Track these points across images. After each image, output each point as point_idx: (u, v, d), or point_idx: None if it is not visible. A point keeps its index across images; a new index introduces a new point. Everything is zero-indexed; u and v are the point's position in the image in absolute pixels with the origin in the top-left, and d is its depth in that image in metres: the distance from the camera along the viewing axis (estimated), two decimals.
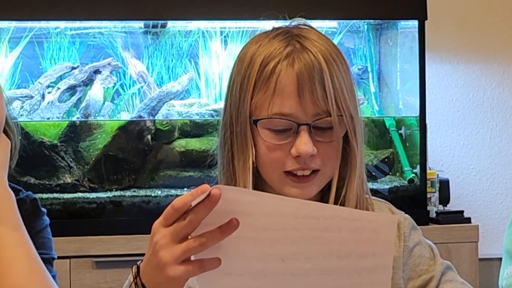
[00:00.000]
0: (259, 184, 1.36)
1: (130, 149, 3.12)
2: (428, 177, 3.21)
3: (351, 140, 1.33)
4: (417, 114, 3.21)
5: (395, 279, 1.41)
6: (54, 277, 1.42)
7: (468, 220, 3.22)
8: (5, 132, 1.33)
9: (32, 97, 3.16)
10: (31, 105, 3.14)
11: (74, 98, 3.21)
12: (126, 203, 3.05)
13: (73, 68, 3.22)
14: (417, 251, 1.44)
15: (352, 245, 1.11)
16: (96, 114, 3.19)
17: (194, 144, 3.15)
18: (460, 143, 3.65)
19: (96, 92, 3.20)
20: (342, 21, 3.34)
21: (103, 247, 2.91)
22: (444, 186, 3.30)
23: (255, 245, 1.08)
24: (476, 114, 3.65)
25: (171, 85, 3.25)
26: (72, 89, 3.22)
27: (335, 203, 1.34)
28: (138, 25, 3.28)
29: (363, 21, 3.37)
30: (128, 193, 3.08)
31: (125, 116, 3.24)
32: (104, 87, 3.23)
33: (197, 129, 3.18)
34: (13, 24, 3.15)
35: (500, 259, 1.86)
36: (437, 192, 3.26)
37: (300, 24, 1.38)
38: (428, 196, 3.22)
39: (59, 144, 3.07)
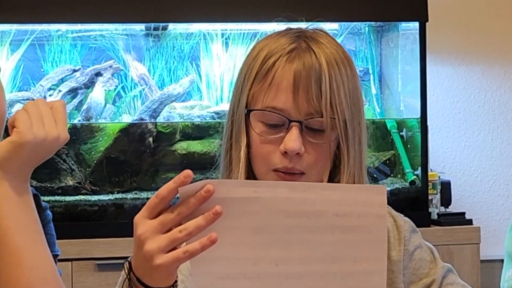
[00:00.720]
0: (251, 178, 1.36)
1: (132, 152, 3.12)
2: (429, 179, 3.21)
3: (341, 145, 1.33)
4: (418, 116, 3.21)
5: (396, 283, 1.41)
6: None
7: (469, 222, 3.22)
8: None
9: (33, 99, 3.16)
10: None
11: (75, 101, 3.21)
12: (128, 206, 3.05)
13: (75, 71, 3.23)
14: (418, 255, 1.43)
15: (345, 247, 1.11)
16: (98, 117, 3.19)
17: (195, 146, 3.15)
18: (462, 145, 3.65)
19: (97, 94, 3.20)
20: (343, 23, 3.34)
21: (105, 250, 2.91)
22: (445, 187, 3.30)
23: (248, 249, 1.08)
24: (477, 116, 3.65)
25: (172, 87, 3.26)
26: (73, 92, 3.22)
27: None
28: (139, 27, 3.28)
29: (364, 23, 3.37)
30: (129, 195, 3.09)
31: (127, 119, 3.24)
32: (105, 90, 3.23)
33: (198, 131, 3.19)
34: (14, 27, 3.16)
35: (502, 260, 1.86)
36: (439, 194, 3.26)
37: (316, 29, 1.39)
38: (430, 198, 3.22)
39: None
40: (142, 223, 1.07)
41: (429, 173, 3.22)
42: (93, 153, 3.11)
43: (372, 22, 3.38)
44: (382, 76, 3.48)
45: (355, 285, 1.13)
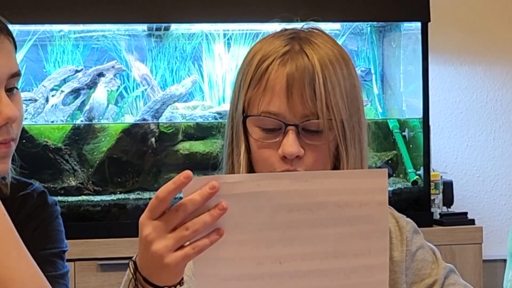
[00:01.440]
0: None
1: (134, 152, 3.12)
2: (431, 178, 3.21)
3: (339, 146, 1.32)
4: (421, 116, 3.21)
5: (398, 283, 1.41)
6: (66, 273, 1.42)
7: (472, 222, 3.22)
8: None
9: (36, 100, 3.17)
10: (35, 108, 3.15)
11: (78, 101, 3.22)
12: (130, 206, 3.06)
13: (77, 71, 3.23)
14: (420, 255, 1.44)
15: (348, 240, 1.11)
16: (100, 117, 3.20)
17: (198, 146, 3.15)
18: (464, 145, 3.65)
19: (100, 95, 3.21)
20: (345, 23, 3.34)
21: (108, 250, 2.92)
22: (447, 187, 3.30)
23: (252, 247, 1.08)
24: (479, 116, 3.65)
25: (174, 87, 3.26)
26: (76, 92, 3.22)
27: None
28: (141, 28, 3.28)
29: (366, 23, 3.37)
30: (132, 195, 3.09)
31: (129, 119, 3.24)
32: (108, 90, 3.23)
33: (201, 131, 3.19)
34: (16, 27, 3.16)
35: (504, 260, 1.87)
36: (441, 194, 3.26)
37: (312, 28, 1.38)
38: (432, 198, 3.22)
39: (63, 147, 3.08)
40: (147, 224, 1.07)
41: (431, 173, 3.23)
42: (95, 153, 3.11)
43: (374, 22, 3.39)
44: (384, 76, 3.48)
45: (358, 281, 1.13)
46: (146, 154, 3.13)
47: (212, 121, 3.23)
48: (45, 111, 3.17)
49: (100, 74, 3.23)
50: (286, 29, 1.38)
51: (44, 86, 3.20)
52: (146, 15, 3.10)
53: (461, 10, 3.63)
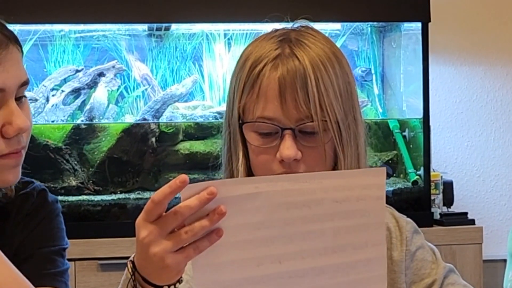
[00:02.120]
0: None
1: (135, 152, 3.12)
2: (432, 179, 3.21)
3: (336, 146, 1.32)
4: (421, 116, 3.22)
5: (398, 283, 1.41)
6: (66, 270, 1.42)
7: (472, 222, 3.22)
8: None
9: (36, 100, 3.17)
10: (35, 108, 3.15)
11: (78, 101, 3.22)
12: (131, 206, 3.06)
13: (78, 71, 3.23)
14: (420, 255, 1.44)
15: (345, 234, 1.11)
16: (101, 117, 3.20)
17: (198, 146, 3.15)
18: (464, 145, 3.65)
19: (100, 94, 3.21)
20: (345, 23, 3.34)
21: (108, 250, 2.92)
22: (448, 187, 3.30)
23: (251, 247, 1.08)
24: (479, 116, 3.66)
25: (175, 87, 3.26)
26: (76, 92, 3.22)
27: None
28: (142, 27, 3.29)
29: (366, 23, 3.38)
30: (132, 195, 3.09)
31: (130, 119, 3.25)
32: (108, 90, 3.24)
33: (201, 131, 3.19)
34: (17, 27, 3.16)
35: (504, 260, 1.87)
36: (441, 194, 3.26)
37: (302, 26, 1.37)
38: (432, 198, 3.22)
39: (63, 146, 3.08)
40: (144, 226, 1.07)
41: (432, 173, 3.23)
42: (96, 153, 3.11)
43: (375, 23, 3.39)
44: (384, 76, 3.48)
45: (357, 277, 1.13)
46: (147, 154, 3.13)
47: (213, 121, 3.23)
48: (46, 110, 3.17)
49: (101, 74, 3.23)
50: (276, 30, 1.37)
51: (45, 86, 3.20)
52: (146, 15, 3.10)
53: (461, 10, 3.63)
